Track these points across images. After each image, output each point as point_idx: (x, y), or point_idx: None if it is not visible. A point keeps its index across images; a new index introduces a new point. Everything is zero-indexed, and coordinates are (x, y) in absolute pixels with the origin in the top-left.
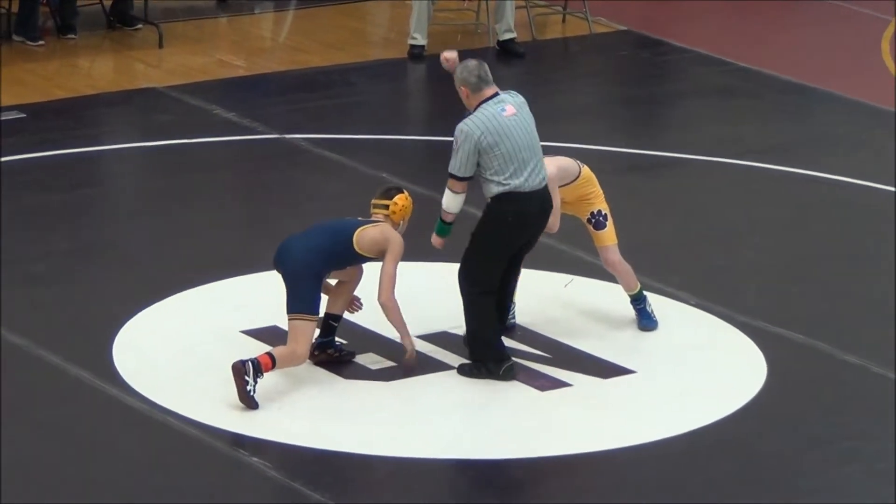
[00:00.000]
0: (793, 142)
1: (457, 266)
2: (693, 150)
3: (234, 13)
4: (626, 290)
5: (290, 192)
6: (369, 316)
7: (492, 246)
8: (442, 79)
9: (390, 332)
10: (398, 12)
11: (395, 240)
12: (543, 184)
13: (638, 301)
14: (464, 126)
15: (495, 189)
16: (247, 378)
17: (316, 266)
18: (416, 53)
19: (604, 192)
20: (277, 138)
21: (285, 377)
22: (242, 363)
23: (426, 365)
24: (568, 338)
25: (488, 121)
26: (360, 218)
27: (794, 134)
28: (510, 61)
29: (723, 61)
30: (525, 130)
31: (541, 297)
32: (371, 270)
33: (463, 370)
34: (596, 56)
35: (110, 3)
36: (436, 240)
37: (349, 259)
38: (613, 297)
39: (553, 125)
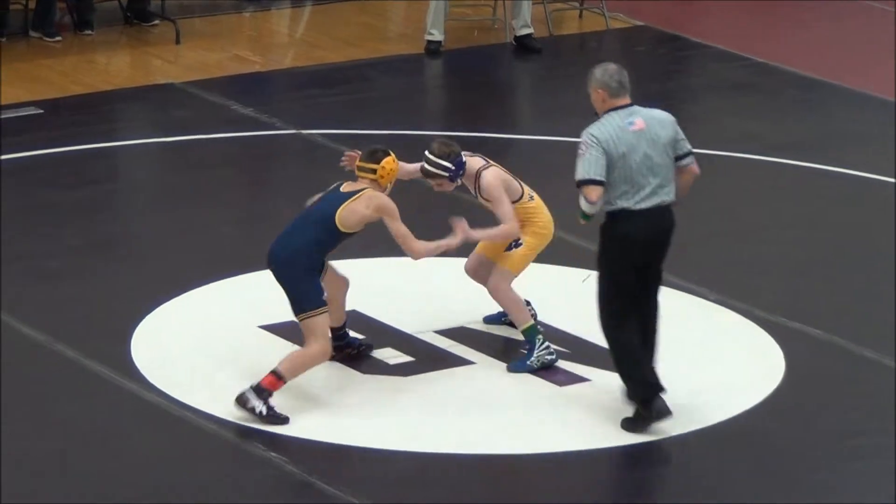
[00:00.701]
0: (811, 137)
1: (464, 260)
2: (711, 145)
3: (251, 9)
4: (516, 324)
5: (307, 187)
6: (386, 310)
7: (609, 269)
8: (458, 74)
9: (407, 327)
10: (415, 8)
11: (387, 204)
12: (664, 203)
13: (528, 339)
14: (590, 130)
15: (607, 206)
16: (252, 406)
17: (307, 263)
18: (432, 49)
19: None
20: (294, 134)
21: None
22: (240, 395)
23: (444, 360)
24: (586, 333)
25: (615, 131)
26: (342, 188)
27: (812, 129)
28: (527, 57)
29: (741, 57)
30: (648, 149)
31: (559, 292)
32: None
33: (625, 425)
34: (613, 52)
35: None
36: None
37: (339, 240)
38: None
39: (569, 121)
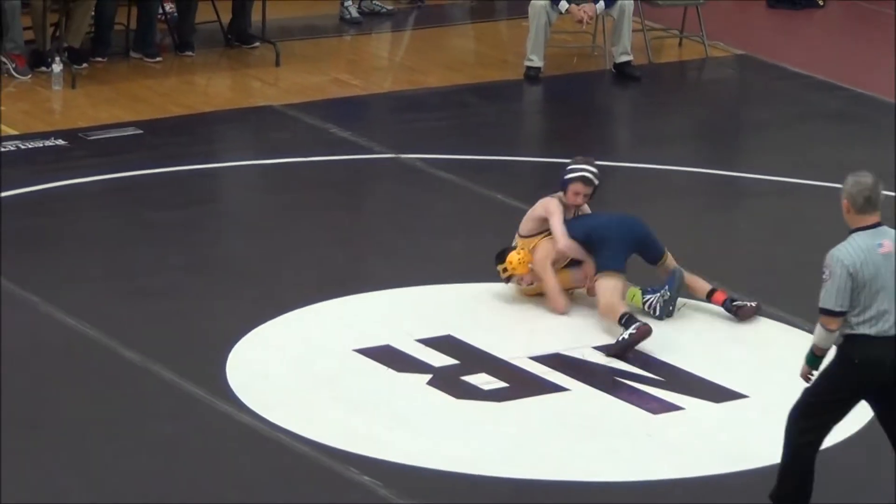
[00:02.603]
0: None
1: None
2: (809, 175)
3: (351, 32)
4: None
5: (404, 211)
6: (481, 336)
7: (828, 387)
8: (557, 100)
9: (502, 353)
10: (515, 34)
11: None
12: None
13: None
14: (837, 253)
15: (847, 330)
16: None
17: None
18: (532, 75)
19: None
20: (392, 158)
21: (398, 396)
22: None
23: (538, 386)
24: (680, 361)
25: (864, 254)
26: None
27: None
28: (626, 84)
29: (837, 86)
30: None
31: (654, 320)
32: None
33: None
34: (712, 80)
35: (228, 20)
36: (805, 369)
37: None
38: (725, 322)
39: (668, 149)
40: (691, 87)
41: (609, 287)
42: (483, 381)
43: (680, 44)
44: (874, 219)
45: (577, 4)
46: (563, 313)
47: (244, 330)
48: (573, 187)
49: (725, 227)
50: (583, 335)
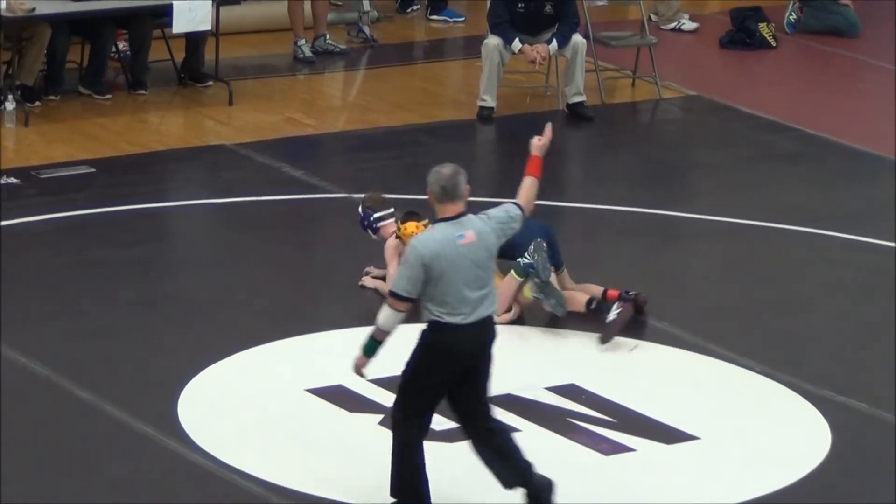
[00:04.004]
0: (858, 209)
1: (518, 327)
2: (759, 216)
3: (305, 71)
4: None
5: (357, 251)
6: None
7: (419, 375)
8: (511, 140)
9: None
10: (468, 74)
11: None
12: (486, 316)
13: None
14: (415, 241)
15: (429, 316)
16: None
17: None
18: (485, 115)
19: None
20: (345, 197)
21: (350, 437)
22: None
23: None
24: (632, 402)
25: (442, 246)
26: None
27: (859, 201)
28: (579, 124)
29: (789, 127)
30: (477, 263)
31: (606, 361)
32: None
33: None
34: (664, 120)
35: (181, 59)
36: (361, 360)
37: None
38: (679, 363)
39: (620, 189)
40: (644, 128)
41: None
42: (435, 421)
43: (633, 84)
44: (456, 209)
45: (530, 44)
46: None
47: (196, 369)
48: (390, 227)
49: (676, 266)
50: (535, 376)
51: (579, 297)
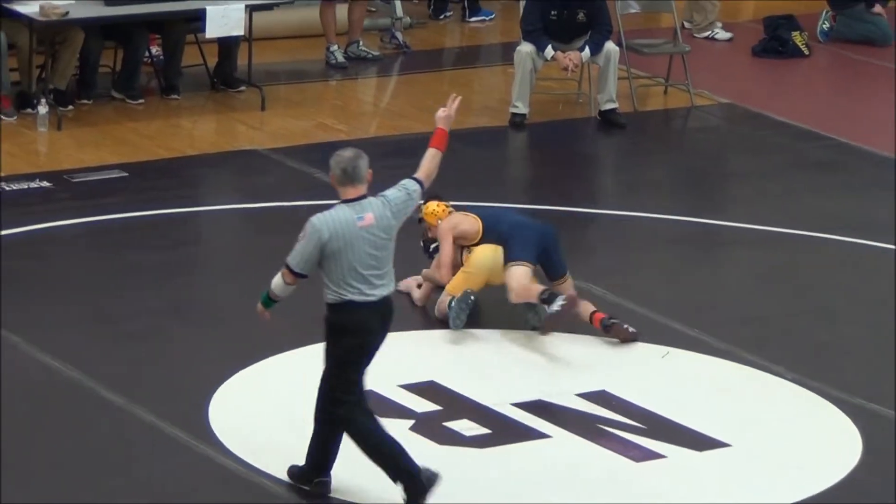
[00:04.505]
0: (891, 218)
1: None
2: (792, 224)
3: (337, 77)
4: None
5: None
6: (463, 382)
7: (342, 359)
8: (542, 147)
9: (485, 399)
10: (500, 80)
11: None
12: (385, 296)
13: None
14: (315, 220)
15: (330, 297)
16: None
17: None
18: (517, 122)
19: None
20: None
21: None
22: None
23: (521, 433)
24: (663, 409)
25: (340, 226)
26: None
27: (892, 210)
28: (611, 132)
29: (822, 136)
30: (375, 244)
31: (637, 367)
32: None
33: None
34: (696, 128)
35: (214, 64)
36: (261, 309)
37: None
38: (710, 370)
39: (652, 197)
40: (676, 136)
41: (520, 273)
42: (465, 427)
43: (665, 92)
44: (357, 192)
45: (563, 51)
46: (442, 286)
47: (227, 373)
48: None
49: (708, 275)
50: (565, 382)
51: (583, 306)
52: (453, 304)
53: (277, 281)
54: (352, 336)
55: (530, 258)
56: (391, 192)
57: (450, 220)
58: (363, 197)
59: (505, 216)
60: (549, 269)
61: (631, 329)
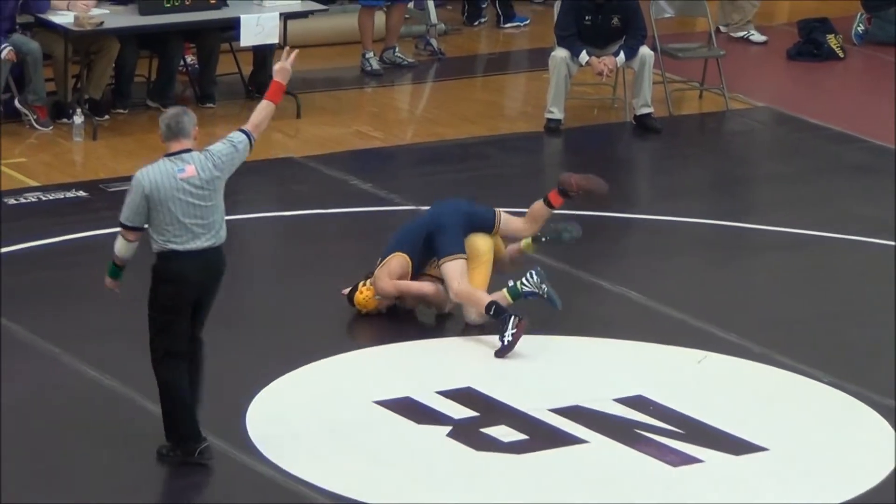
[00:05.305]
0: None
1: (586, 339)
2: (827, 227)
3: (372, 85)
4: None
5: None
6: (500, 388)
7: (160, 306)
8: (578, 152)
9: (521, 405)
10: (535, 85)
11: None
12: (209, 246)
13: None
14: (138, 174)
15: (154, 246)
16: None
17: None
18: (552, 127)
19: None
20: (413, 210)
21: (418, 449)
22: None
23: (558, 438)
24: (701, 414)
25: (160, 178)
26: None
27: None
28: (646, 136)
29: (857, 138)
30: (197, 195)
31: (674, 372)
32: None
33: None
34: (732, 132)
35: (249, 72)
36: (108, 281)
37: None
38: (746, 374)
39: (687, 201)
40: (711, 140)
41: (458, 270)
42: (503, 433)
43: (700, 96)
44: (181, 146)
45: (598, 56)
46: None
47: (264, 381)
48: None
49: (743, 279)
50: (602, 387)
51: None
52: (533, 278)
53: (119, 243)
54: (170, 284)
55: (459, 248)
56: (216, 146)
57: (381, 279)
58: (187, 151)
59: (417, 222)
60: (482, 229)
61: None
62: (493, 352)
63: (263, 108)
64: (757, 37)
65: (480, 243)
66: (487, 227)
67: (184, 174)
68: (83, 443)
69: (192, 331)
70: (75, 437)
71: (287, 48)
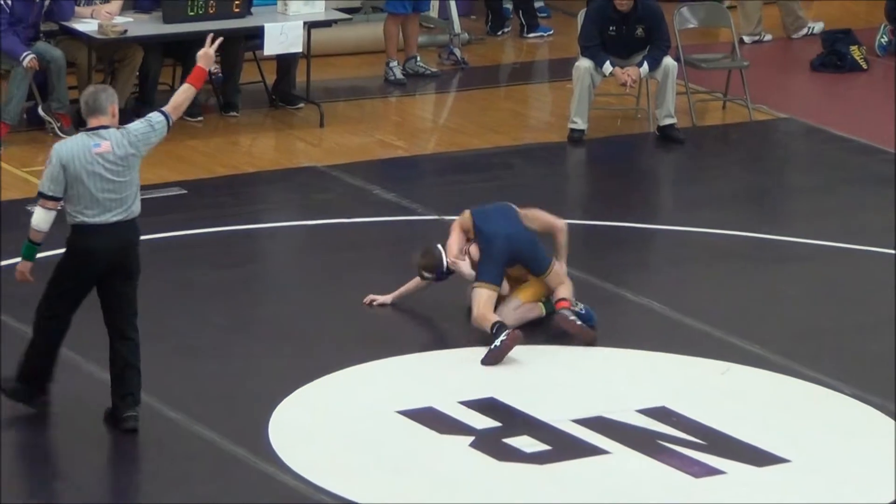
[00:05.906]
0: None
1: (608, 350)
2: (850, 239)
3: (395, 94)
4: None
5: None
6: (523, 398)
7: (61, 276)
8: (601, 163)
9: (544, 416)
10: (558, 96)
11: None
12: (122, 219)
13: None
14: (57, 146)
15: (69, 219)
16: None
17: None
18: (575, 137)
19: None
20: (436, 219)
21: (440, 459)
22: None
23: (581, 449)
24: (723, 425)
25: (76, 151)
26: None
27: None
28: (669, 147)
29: (881, 150)
30: (111, 170)
31: (696, 383)
32: None
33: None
34: (755, 143)
35: (273, 81)
36: (23, 265)
37: None
38: (769, 386)
39: (711, 212)
40: (735, 151)
41: (483, 298)
42: (525, 443)
43: (724, 107)
44: (98, 122)
45: (621, 67)
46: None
47: (287, 390)
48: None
49: (767, 289)
50: (625, 398)
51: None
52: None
53: (38, 213)
54: (80, 255)
55: (494, 278)
56: (133, 124)
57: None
58: (104, 127)
59: (486, 223)
60: (528, 268)
61: (578, 322)
62: (514, 363)
63: (183, 91)
64: (817, 27)
65: (530, 294)
66: (537, 271)
67: (99, 149)
68: (103, 449)
69: (121, 328)
70: (96, 444)
71: (211, 35)
